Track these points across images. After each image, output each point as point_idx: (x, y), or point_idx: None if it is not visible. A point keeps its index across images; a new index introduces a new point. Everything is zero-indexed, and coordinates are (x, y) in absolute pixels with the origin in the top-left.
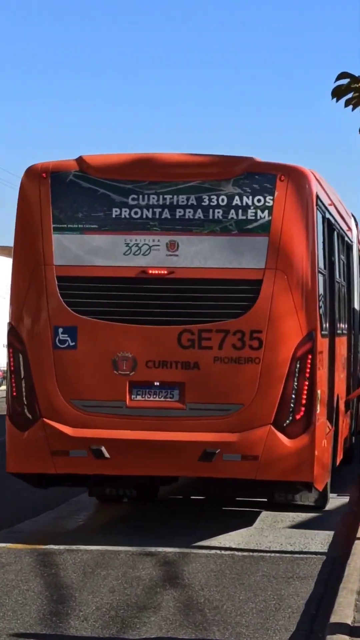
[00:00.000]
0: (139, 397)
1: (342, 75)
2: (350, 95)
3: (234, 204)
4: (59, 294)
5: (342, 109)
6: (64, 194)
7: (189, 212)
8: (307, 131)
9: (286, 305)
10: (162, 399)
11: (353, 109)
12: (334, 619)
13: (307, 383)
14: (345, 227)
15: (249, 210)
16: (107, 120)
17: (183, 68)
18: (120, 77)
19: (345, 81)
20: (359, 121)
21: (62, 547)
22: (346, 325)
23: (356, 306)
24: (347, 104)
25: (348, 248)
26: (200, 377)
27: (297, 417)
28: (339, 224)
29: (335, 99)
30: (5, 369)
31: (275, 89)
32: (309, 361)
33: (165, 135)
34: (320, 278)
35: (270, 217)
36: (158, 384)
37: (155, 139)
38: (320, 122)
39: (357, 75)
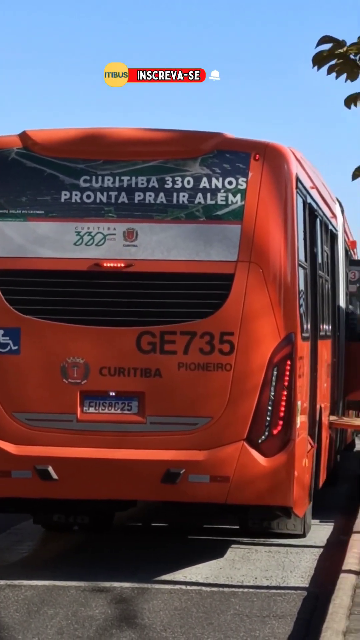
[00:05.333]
0: (91, 410)
1: (324, 40)
2: (333, 62)
3: (201, 186)
4: None
5: (324, 76)
6: (4, 174)
7: (150, 196)
8: (285, 102)
9: (261, 303)
10: (118, 411)
11: (337, 76)
12: None
13: (285, 393)
14: (329, 214)
15: (219, 194)
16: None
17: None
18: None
19: (327, 46)
20: (344, 91)
21: (2, 582)
22: (330, 327)
23: (341, 304)
24: (329, 71)
25: (332, 238)
26: (162, 386)
27: (274, 432)
28: (322, 210)
29: (316, 67)
30: None
31: (249, 53)
32: (288, 368)
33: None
34: (301, 272)
35: (243, 202)
36: (114, 394)
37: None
38: (299, 92)
39: (340, 39)
